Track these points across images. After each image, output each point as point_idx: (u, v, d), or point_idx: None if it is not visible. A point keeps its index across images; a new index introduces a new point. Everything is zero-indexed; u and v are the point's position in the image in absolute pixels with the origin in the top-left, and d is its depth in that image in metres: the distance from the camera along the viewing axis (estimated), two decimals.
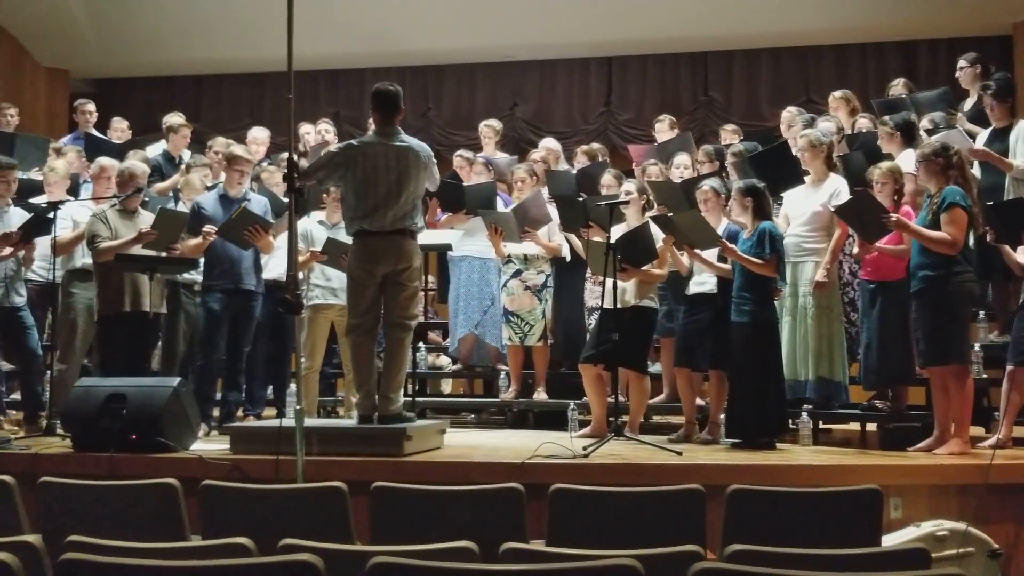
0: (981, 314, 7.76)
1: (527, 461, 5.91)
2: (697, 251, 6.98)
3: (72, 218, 7.82)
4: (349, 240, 6.63)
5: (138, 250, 7.25)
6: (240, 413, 7.93)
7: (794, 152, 7.68)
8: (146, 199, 7.90)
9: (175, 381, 6.58)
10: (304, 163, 7.48)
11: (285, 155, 6.56)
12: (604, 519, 4.33)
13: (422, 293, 7.87)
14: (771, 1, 11.95)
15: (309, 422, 6.07)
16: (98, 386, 6.58)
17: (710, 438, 7.06)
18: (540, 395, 8.45)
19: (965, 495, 5.68)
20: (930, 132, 7.60)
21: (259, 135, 9.87)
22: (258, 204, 7.64)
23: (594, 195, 8.12)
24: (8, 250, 7.36)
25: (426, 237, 6.90)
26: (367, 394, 6.48)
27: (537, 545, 3.87)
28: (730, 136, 9.53)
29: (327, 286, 7.84)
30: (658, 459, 6.15)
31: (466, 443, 7.26)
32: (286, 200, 6.05)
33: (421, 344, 8.96)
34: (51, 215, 7.44)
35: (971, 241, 6.56)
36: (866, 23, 12.06)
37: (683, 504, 4.32)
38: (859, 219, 6.64)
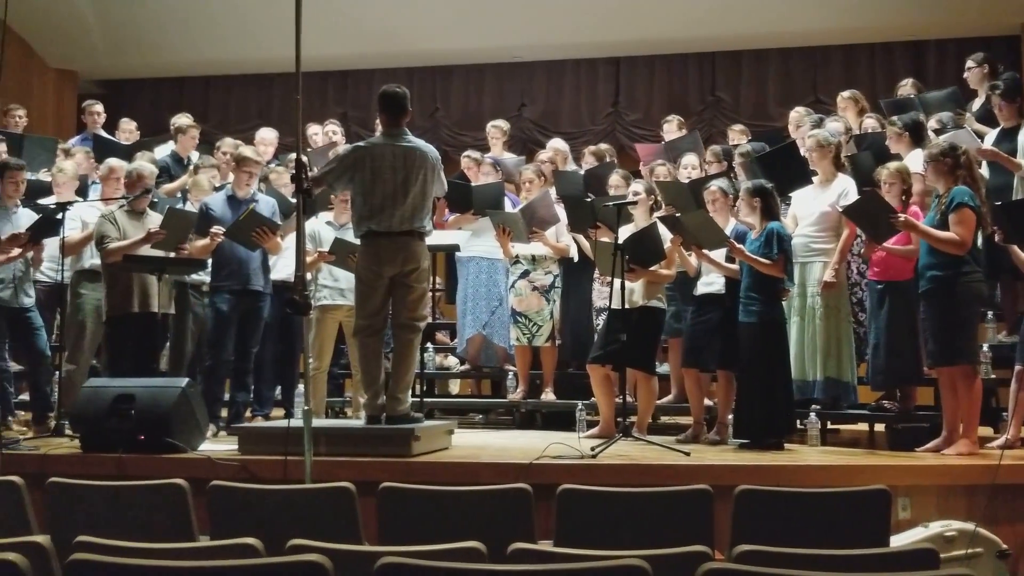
0: (989, 314, 7.75)
1: (535, 462, 5.90)
2: (705, 251, 6.98)
3: (81, 219, 7.84)
4: (357, 241, 6.64)
5: (146, 251, 7.26)
6: (248, 414, 7.93)
7: (802, 152, 7.68)
8: (155, 200, 7.92)
9: (183, 382, 6.59)
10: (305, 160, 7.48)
11: (293, 156, 6.57)
12: (612, 519, 4.33)
13: (430, 294, 7.87)
14: (779, 1, 11.92)
15: (317, 423, 6.08)
16: (106, 387, 6.59)
17: (718, 438, 7.06)
18: (548, 396, 8.45)
19: (974, 495, 5.66)
20: (938, 132, 7.58)
21: (267, 136, 9.89)
22: (266, 205, 7.65)
23: (602, 196, 8.11)
24: (17, 251, 7.37)
25: (434, 238, 6.90)
26: (375, 395, 6.48)
27: (545, 545, 3.87)
28: (738, 136, 9.52)
29: (335, 287, 7.84)
30: (666, 459, 6.15)
31: (474, 444, 7.26)
32: (294, 201, 6.06)
33: (429, 345, 8.96)
34: (59, 216, 7.45)
35: (979, 241, 6.55)
36: (874, 23, 12.02)
37: (691, 504, 4.32)
38: (867, 219, 6.63)
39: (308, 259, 7.10)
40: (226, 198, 7.68)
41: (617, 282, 6.77)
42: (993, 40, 11.61)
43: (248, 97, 14.33)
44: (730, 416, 7.05)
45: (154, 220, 7.45)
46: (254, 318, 7.65)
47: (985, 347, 7.23)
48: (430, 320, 8.49)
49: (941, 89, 8.96)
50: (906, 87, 9.04)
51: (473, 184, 8.82)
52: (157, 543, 3.47)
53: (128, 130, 10.53)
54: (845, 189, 7.18)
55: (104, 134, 10.53)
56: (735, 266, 6.93)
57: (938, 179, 6.43)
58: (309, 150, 9.34)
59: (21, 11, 11.68)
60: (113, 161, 8.07)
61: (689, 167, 8.60)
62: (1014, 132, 7.36)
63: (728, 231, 6.98)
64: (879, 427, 7.71)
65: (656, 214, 7.48)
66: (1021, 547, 5.51)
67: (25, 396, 8.31)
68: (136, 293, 7.34)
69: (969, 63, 8.52)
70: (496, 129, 9.89)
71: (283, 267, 7.86)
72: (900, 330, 6.77)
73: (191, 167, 8.91)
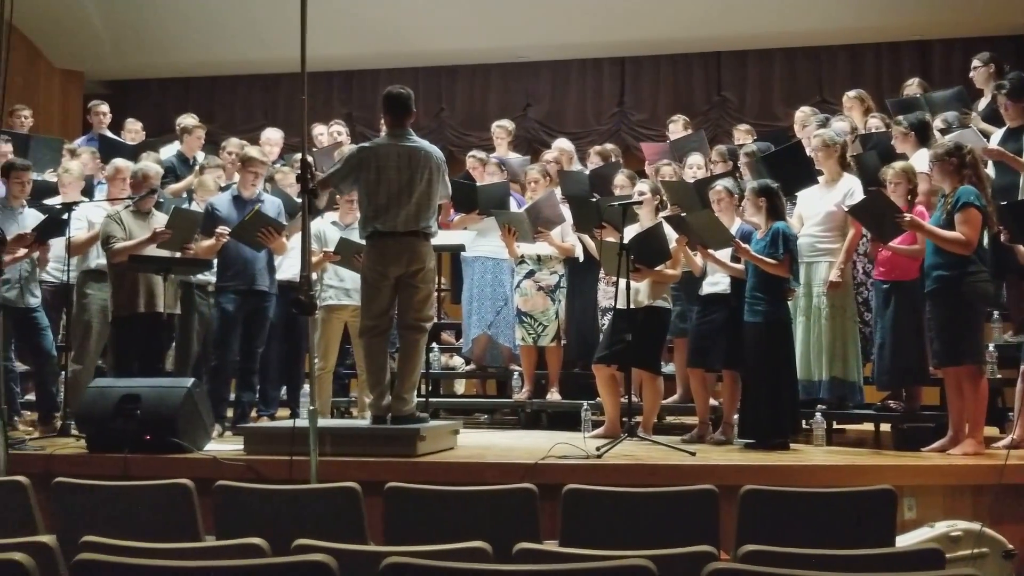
0: (995, 314, 7.73)
1: (540, 462, 5.91)
2: (710, 251, 6.97)
3: (87, 219, 7.85)
4: (362, 241, 6.64)
5: (152, 251, 7.27)
6: (254, 414, 7.94)
7: (808, 152, 7.67)
8: (160, 200, 7.92)
9: (189, 382, 6.60)
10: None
11: (299, 156, 6.59)
12: (617, 519, 4.33)
13: (436, 294, 7.88)
14: (785, 1, 11.92)
15: (323, 423, 6.08)
16: (112, 387, 6.61)
17: (723, 438, 7.05)
18: (553, 395, 8.45)
19: (979, 495, 5.66)
20: (943, 132, 7.57)
21: (272, 136, 9.90)
22: (272, 205, 7.66)
23: (607, 195, 8.11)
24: (23, 251, 7.38)
25: (439, 238, 6.90)
26: (380, 395, 6.49)
27: (550, 545, 3.87)
28: (743, 136, 9.52)
29: (340, 287, 7.84)
30: (672, 459, 6.15)
31: (479, 444, 7.26)
32: (299, 201, 6.06)
33: (434, 345, 8.97)
34: (65, 216, 7.46)
35: (985, 241, 6.54)
36: (880, 23, 12.02)
37: (697, 504, 4.31)
38: (873, 219, 6.63)
39: (313, 259, 7.11)
40: (232, 198, 7.69)
41: (622, 282, 6.76)
42: (999, 39, 11.60)
43: (253, 97, 14.36)
44: (735, 416, 7.05)
45: (160, 220, 7.46)
46: (259, 318, 7.66)
47: (991, 347, 7.21)
48: (435, 320, 8.48)
49: (947, 88, 8.95)
50: (912, 87, 9.02)
51: (478, 184, 8.82)
52: (163, 543, 3.47)
53: (134, 130, 10.54)
54: (851, 189, 7.18)
55: (110, 134, 10.56)
56: (740, 266, 6.93)
57: (944, 179, 6.42)
58: (314, 150, 9.34)
59: (27, 12, 11.67)
60: (119, 161, 8.08)
61: (694, 167, 8.59)
62: (1020, 131, 7.33)
63: (733, 231, 6.98)
64: (885, 427, 7.68)
65: (661, 214, 7.47)
66: None
67: (31, 396, 8.33)
68: (142, 293, 7.35)
69: (975, 62, 8.51)
70: (501, 129, 9.89)
71: (288, 267, 7.87)
72: (906, 330, 6.76)
73: (197, 167, 8.92)
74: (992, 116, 7.94)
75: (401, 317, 6.57)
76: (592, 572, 2.90)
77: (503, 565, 3.10)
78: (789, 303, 6.94)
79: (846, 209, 6.95)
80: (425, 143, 6.60)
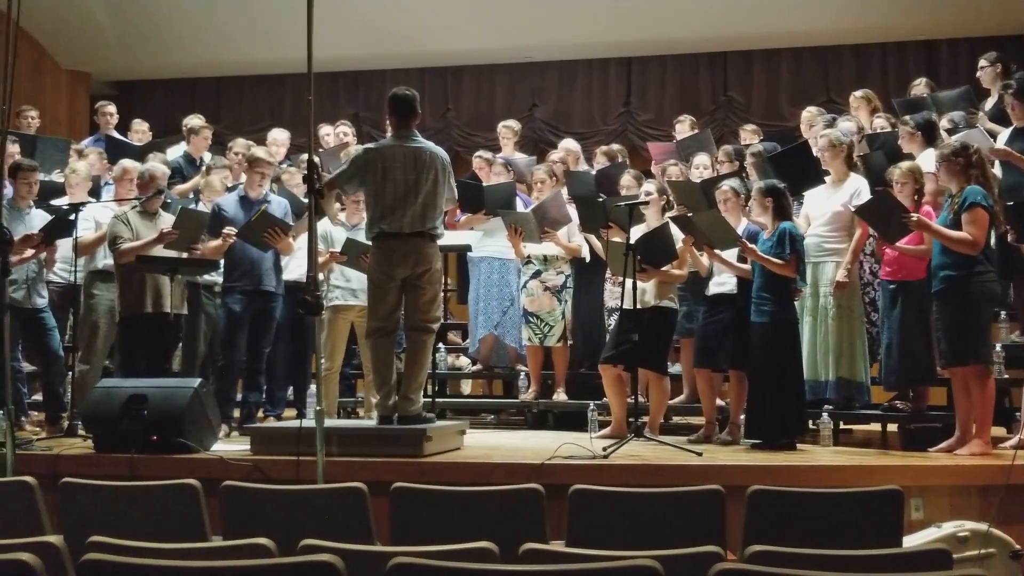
0: (1003, 314, 7.72)
1: (547, 462, 5.91)
2: (717, 251, 6.97)
3: (95, 219, 7.86)
4: (368, 242, 6.64)
5: (159, 251, 7.28)
6: (260, 414, 7.96)
7: (814, 152, 7.66)
8: (167, 200, 7.94)
9: (196, 382, 6.61)
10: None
11: (305, 156, 6.59)
12: (624, 520, 4.33)
13: (442, 295, 7.88)
14: (791, 1, 11.91)
15: (329, 423, 6.09)
16: (119, 387, 6.61)
17: (730, 439, 7.04)
18: (560, 396, 8.44)
19: (986, 496, 5.65)
20: (950, 132, 7.56)
21: (279, 136, 9.92)
22: (278, 206, 7.67)
23: (614, 196, 8.10)
24: (30, 252, 7.40)
25: (445, 238, 6.90)
26: (387, 395, 6.49)
27: (557, 546, 3.87)
28: (750, 136, 9.51)
29: (347, 287, 7.85)
30: (678, 460, 6.14)
31: (486, 444, 7.26)
32: (306, 201, 6.07)
33: (441, 345, 8.96)
34: (72, 217, 7.48)
35: (992, 241, 6.53)
36: (887, 22, 12.00)
37: (703, 505, 4.31)
38: (880, 219, 6.62)
39: (320, 259, 7.11)
40: (238, 199, 7.70)
41: (629, 282, 6.76)
42: (1006, 39, 11.57)
43: (260, 98, 14.38)
44: (742, 416, 7.03)
45: (167, 221, 7.47)
46: (266, 318, 7.67)
47: (998, 347, 7.20)
48: (442, 321, 8.49)
49: (953, 88, 8.94)
50: (920, 86, 9.01)
51: (485, 184, 8.82)
52: (170, 543, 3.47)
53: (140, 131, 10.56)
54: (858, 189, 7.17)
55: (117, 135, 10.57)
56: (747, 266, 6.92)
57: (951, 179, 6.41)
58: (321, 151, 9.35)
59: (34, 13, 11.69)
60: (127, 162, 8.10)
61: (701, 167, 8.59)
62: None
63: (740, 231, 6.97)
64: (892, 427, 7.68)
65: (668, 214, 7.47)
66: None
67: (38, 396, 8.35)
68: (149, 294, 7.36)
69: (982, 62, 8.50)
70: (507, 129, 9.88)
71: (295, 267, 7.88)
72: (913, 330, 6.75)
73: (203, 168, 8.93)
74: (999, 116, 7.92)
75: (408, 318, 6.58)
76: (599, 572, 2.90)
77: (509, 565, 3.10)
78: (796, 303, 6.94)
79: (853, 209, 6.94)
80: (430, 144, 6.62)
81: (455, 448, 6.65)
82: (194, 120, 9.78)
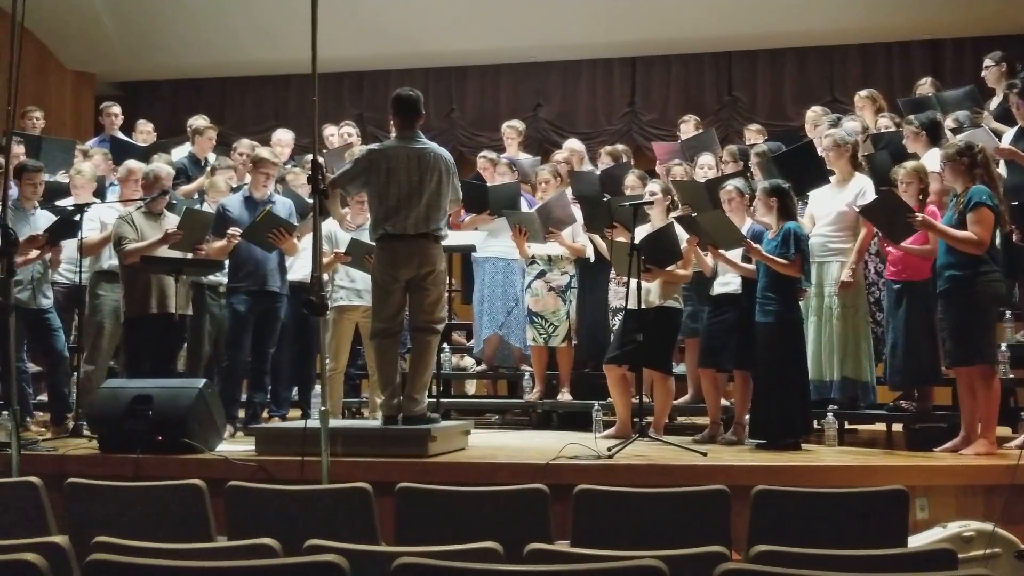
0: (1008, 314, 7.71)
1: (551, 462, 5.91)
2: (721, 251, 6.96)
3: (100, 220, 7.87)
4: (372, 242, 6.65)
5: (164, 252, 7.29)
6: (265, 414, 7.96)
7: (819, 152, 7.65)
8: (172, 201, 7.94)
9: (201, 382, 6.61)
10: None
11: (310, 157, 6.60)
12: (629, 520, 4.33)
13: (447, 295, 7.88)
14: (796, 1, 11.90)
15: (334, 423, 6.09)
16: (124, 387, 6.62)
17: (735, 439, 7.04)
18: (564, 396, 8.44)
19: (992, 495, 5.64)
20: (955, 131, 7.55)
21: (283, 137, 9.91)
22: (283, 206, 7.67)
23: (618, 196, 8.10)
24: (35, 253, 7.41)
25: (450, 238, 6.90)
26: (392, 395, 6.49)
27: (562, 546, 3.87)
28: (754, 136, 9.50)
29: (351, 287, 7.85)
30: (683, 460, 6.14)
31: (491, 444, 7.27)
32: (311, 202, 6.07)
33: (445, 345, 8.97)
34: (77, 217, 7.49)
35: (997, 240, 6.52)
36: (891, 22, 12.00)
37: (708, 505, 4.31)
38: (884, 219, 6.61)
39: (324, 260, 7.12)
40: (243, 199, 7.71)
41: (633, 282, 6.76)
42: (1011, 39, 11.52)
43: (264, 98, 14.40)
44: (747, 416, 7.03)
45: (171, 221, 7.48)
46: (271, 319, 7.67)
47: (1003, 347, 7.18)
48: (447, 321, 8.49)
49: (958, 88, 8.93)
50: (925, 86, 9.01)
51: (489, 184, 8.82)
52: (175, 543, 3.48)
53: (145, 132, 10.57)
54: (862, 188, 7.16)
55: (122, 136, 10.59)
56: (752, 266, 6.91)
57: (955, 178, 6.40)
58: (325, 151, 9.36)
59: (38, 13, 11.73)
60: (132, 163, 8.11)
61: (705, 167, 8.58)
62: None
63: (744, 231, 6.97)
64: (897, 427, 7.67)
65: (672, 214, 7.47)
66: None
67: (43, 397, 8.36)
68: (154, 294, 7.37)
69: (987, 62, 8.49)
70: (512, 129, 9.89)
71: (300, 268, 7.88)
72: (918, 330, 6.74)
73: (208, 168, 8.94)
74: (1004, 115, 7.91)
75: (412, 319, 6.58)
76: (603, 572, 2.90)
77: (514, 566, 3.10)
78: (801, 303, 6.93)
79: (857, 210, 6.94)
80: (434, 145, 6.61)
81: (460, 448, 6.65)
82: (199, 121, 9.79)
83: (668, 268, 7.13)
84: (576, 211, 8.23)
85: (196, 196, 8.82)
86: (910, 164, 6.84)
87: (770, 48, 12.97)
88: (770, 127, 10.59)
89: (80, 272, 7.73)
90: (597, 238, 8.17)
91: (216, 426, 6.58)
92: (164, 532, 4.12)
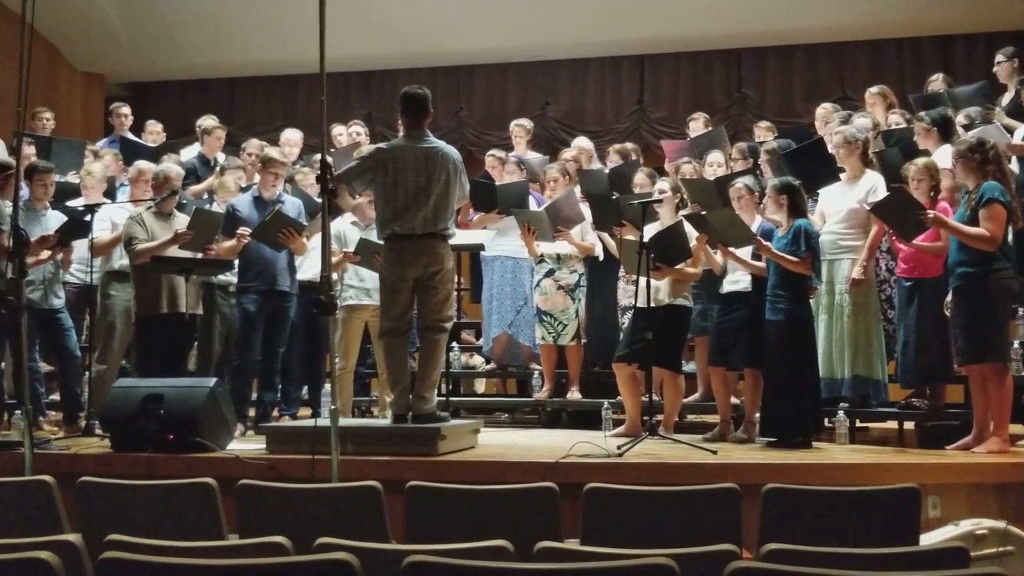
0: (1020, 311, 7.67)
1: (561, 460, 5.90)
2: (731, 249, 6.95)
3: (110, 220, 7.89)
4: (381, 242, 6.65)
5: (174, 252, 7.31)
6: (276, 413, 7.97)
7: (829, 149, 7.63)
8: (182, 201, 7.96)
9: (211, 382, 6.63)
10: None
11: (318, 156, 6.60)
12: (639, 518, 4.32)
13: (455, 294, 7.89)
14: None
15: (344, 422, 6.09)
16: (136, 387, 6.65)
17: (745, 437, 7.03)
18: (574, 394, 8.44)
19: (1004, 493, 5.63)
20: (966, 127, 7.53)
21: (292, 137, 9.93)
22: (292, 206, 7.69)
23: (627, 194, 8.09)
24: (46, 253, 7.43)
25: (458, 237, 6.91)
26: (401, 394, 6.50)
27: (572, 544, 3.87)
28: (764, 133, 9.48)
29: (361, 287, 7.85)
30: (693, 458, 6.13)
31: (500, 443, 7.26)
32: (320, 201, 6.08)
33: (454, 344, 8.97)
34: (88, 218, 7.51)
35: (1010, 237, 6.49)
36: (902, 18, 11.95)
37: (718, 503, 4.30)
38: (896, 216, 6.59)
39: (334, 259, 7.12)
40: (252, 199, 7.71)
41: (643, 280, 6.75)
42: (1023, 34, 11.51)
43: (273, 98, 14.40)
44: (757, 414, 7.02)
45: (181, 221, 7.49)
46: (281, 318, 7.69)
47: (1016, 344, 7.16)
48: (455, 320, 8.50)
49: (970, 84, 8.90)
50: (937, 82, 8.98)
51: (497, 183, 8.81)
52: (187, 541, 3.48)
53: (155, 132, 10.59)
54: (873, 186, 7.14)
55: (131, 136, 10.61)
56: (762, 264, 6.90)
57: (967, 175, 6.38)
58: (333, 151, 9.36)
59: (48, 15, 11.71)
60: (142, 163, 8.13)
61: (715, 164, 8.56)
62: None
63: (754, 228, 6.95)
64: (908, 425, 7.65)
65: (682, 212, 7.45)
66: None
67: (56, 396, 8.39)
68: (165, 294, 7.39)
69: (999, 57, 8.47)
70: (520, 128, 9.87)
71: (309, 267, 7.89)
72: (930, 327, 6.72)
73: (217, 168, 8.95)
74: (1016, 111, 7.89)
75: (421, 318, 6.58)
76: (614, 571, 2.89)
77: (525, 564, 3.10)
78: (811, 301, 6.91)
79: (868, 207, 6.91)
80: (442, 144, 6.61)
81: (469, 447, 6.65)
82: (208, 121, 9.80)
83: (678, 266, 7.12)
84: (585, 209, 8.23)
85: (206, 196, 8.83)
86: (921, 161, 6.82)
87: (779, 45, 12.91)
88: (780, 124, 10.55)
89: (91, 272, 7.76)
90: (606, 236, 8.16)
91: (227, 425, 6.60)
92: (176, 530, 4.13)
